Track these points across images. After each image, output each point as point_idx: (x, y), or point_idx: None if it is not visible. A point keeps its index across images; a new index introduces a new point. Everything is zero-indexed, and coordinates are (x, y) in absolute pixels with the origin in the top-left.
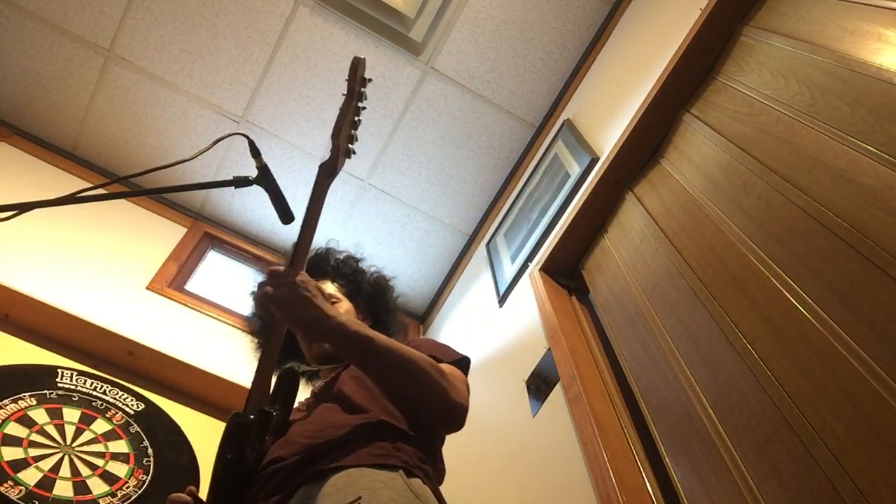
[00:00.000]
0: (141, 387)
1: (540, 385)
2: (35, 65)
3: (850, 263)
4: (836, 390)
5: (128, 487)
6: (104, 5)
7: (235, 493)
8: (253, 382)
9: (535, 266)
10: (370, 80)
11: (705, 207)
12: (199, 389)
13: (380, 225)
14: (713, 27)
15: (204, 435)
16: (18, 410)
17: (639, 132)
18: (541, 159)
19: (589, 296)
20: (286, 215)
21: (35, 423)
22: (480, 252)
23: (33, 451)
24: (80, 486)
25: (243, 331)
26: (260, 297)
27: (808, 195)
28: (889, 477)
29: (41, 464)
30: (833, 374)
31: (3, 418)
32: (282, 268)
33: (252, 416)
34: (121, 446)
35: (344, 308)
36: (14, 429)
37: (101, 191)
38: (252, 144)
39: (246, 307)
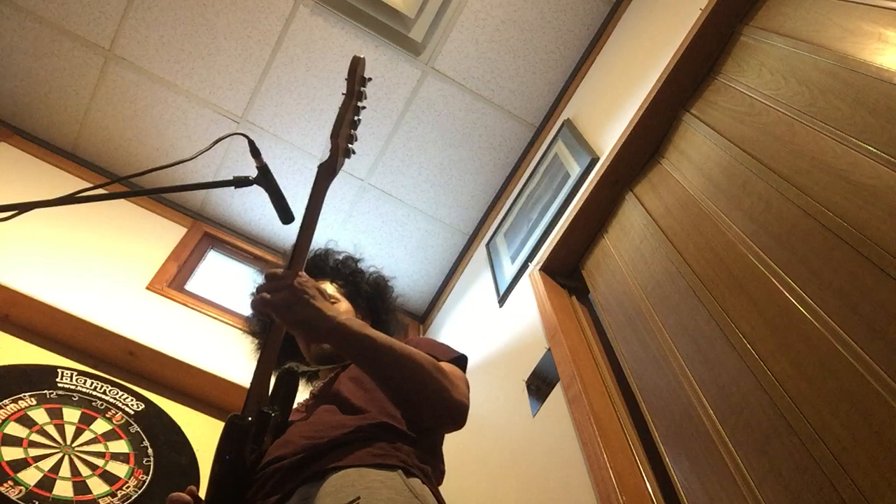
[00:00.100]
0: (141, 387)
1: (540, 385)
2: (35, 65)
3: (850, 263)
4: (836, 390)
5: (128, 487)
6: (104, 5)
7: (234, 493)
8: (252, 383)
9: (535, 266)
10: (370, 79)
11: (705, 207)
12: (199, 389)
13: (380, 225)
14: (713, 27)
15: (204, 435)
16: (18, 410)
17: (639, 132)
18: (541, 159)
19: (589, 296)
20: (286, 215)
21: (35, 423)
22: (480, 252)
23: (33, 451)
24: (80, 486)
25: (243, 331)
26: (258, 302)
27: (808, 195)
28: (889, 477)
29: (41, 464)
30: (833, 374)
31: (3, 418)
32: (280, 270)
33: (250, 418)
34: (121, 446)
35: (343, 308)
36: (14, 429)
37: (101, 191)
38: (252, 144)
39: (245, 307)
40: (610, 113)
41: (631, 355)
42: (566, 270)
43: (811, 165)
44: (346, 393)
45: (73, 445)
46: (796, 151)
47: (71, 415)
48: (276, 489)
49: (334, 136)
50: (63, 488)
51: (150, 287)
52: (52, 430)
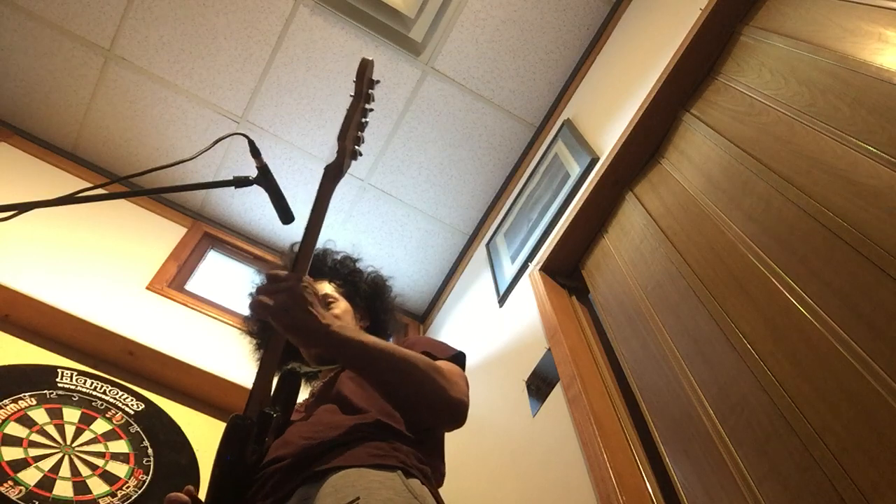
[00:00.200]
0: (141, 387)
1: (540, 385)
2: (35, 65)
3: (850, 263)
4: (836, 390)
5: (128, 487)
6: (104, 5)
7: (234, 494)
8: (254, 384)
9: (535, 266)
10: (378, 81)
11: (705, 207)
12: (199, 389)
13: (380, 225)
14: (713, 27)
15: (204, 435)
16: (18, 410)
17: (639, 132)
18: (541, 159)
19: (589, 296)
20: (286, 215)
21: (35, 423)
22: (480, 252)
23: (33, 451)
24: (80, 486)
25: (243, 331)
26: (257, 305)
27: (808, 195)
28: (889, 477)
29: (41, 464)
30: (833, 374)
31: (3, 418)
32: (282, 272)
33: (252, 418)
34: (121, 446)
35: (341, 308)
36: (14, 429)
37: (101, 191)
38: (252, 144)
39: (245, 307)
40: (610, 113)
41: (631, 355)
42: (566, 270)
43: (811, 165)
44: (346, 393)
45: (73, 445)
46: (796, 151)
47: (71, 415)
48: (275, 490)
49: (341, 138)
50: (63, 488)
51: (150, 287)
52: (52, 430)
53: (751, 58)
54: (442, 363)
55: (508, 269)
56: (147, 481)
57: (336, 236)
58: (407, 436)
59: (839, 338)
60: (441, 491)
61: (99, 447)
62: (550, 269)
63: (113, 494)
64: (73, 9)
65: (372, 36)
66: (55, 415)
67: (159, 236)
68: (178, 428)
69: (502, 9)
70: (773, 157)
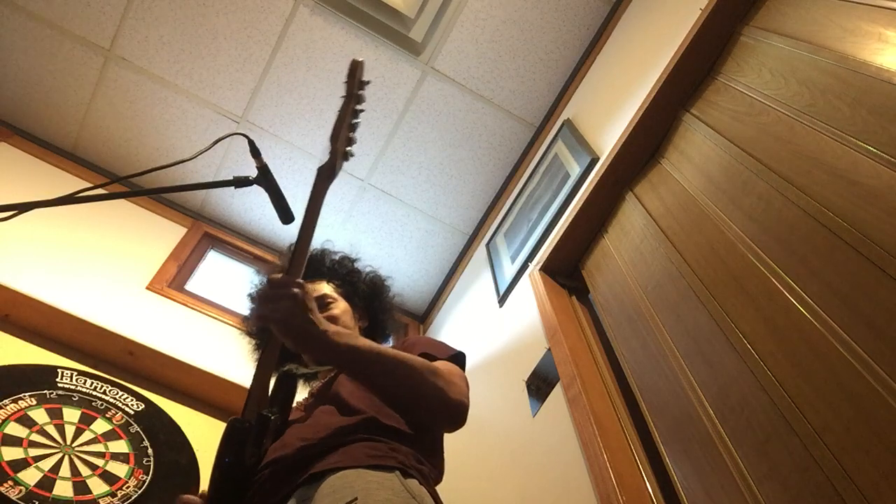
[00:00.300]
0: (141, 387)
1: (540, 385)
2: (35, 65)
3: (850, 263)
4: (836, 390)
5: (128, 487)
6: (104, 5)
7: (234, 496)
8: (251, 386)
9: (535, 266)
10: (368, 82)
11: (705, 207)
12: (199, 389)
13: (380, 225)
14: (713, 27)
15: (204, 435)
16: (18, 410)
17: (639, 132)
18: (541, 159)
19: (589, 296)
20: (286, 215)
21: (35, 423)
22: (480, 252)
23: (33, 451)
24: (80, 486)
25: (242, 331)
26: (258, 315)
27: (808, 195)
28: (889, 477)
29: (41, 464)
30: (833, 375)
31: (3, 418)
32: (280, 276)
33: (250, 422)
34: (121, 446)
35: (340, 308)
36: (14, 429)
37: (101, 191)
38: (252, 144)
39: (245, 308)
40: (610, 113)
41: (631, 355)
42: (566, 270)
43: (811, 165)
44: (344, 394)
45: (73, 445)
46: (796, 151)
47: (71, 415)
48: (274, 491)
49: (333, 139)
50: (63, 488)
51: (150, 287)
52: (52, 430)
53: (751, 58)
54: (441, 364)
55: (508, 269)
56: (147, 481)
57: (336, 236)
58: (405, 435)
59: (839, 338)
60: (441, 491)
61: (99, 447)
62: (550, 269)
63: (113, 494)
64: (73, 9)
65: (372, 36)
66: (55, 415)
67: (159, 236)
68: (178, 428)
69: (502, 9)
70: (773, 157)
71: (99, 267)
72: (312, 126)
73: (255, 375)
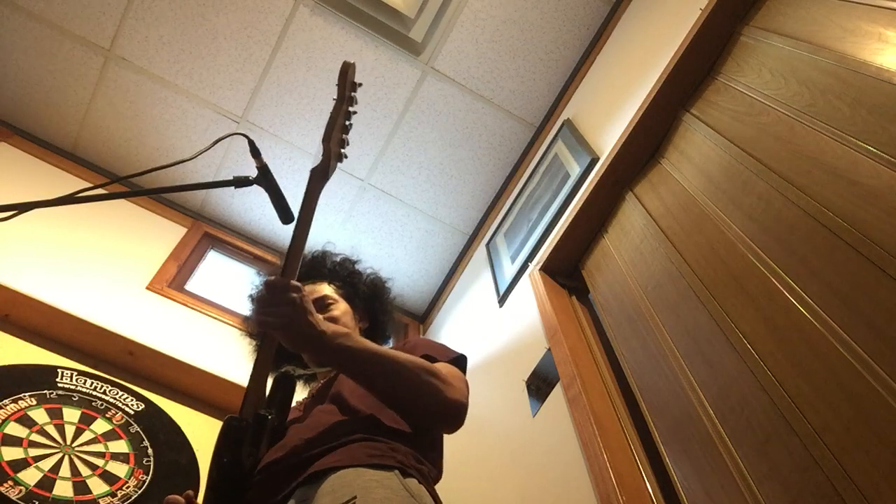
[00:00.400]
0: (141, 387)
1: (540, 385)
2: (35, 65)
3: (850, 263)
4: (836, 390)
5: (128, 487)
6: (104, 5)
7: (232, 496)
8: (248, 386)
9: (535, 266)
10: (360, 84)
11: (705, 207)
12: (199, 389)
13: (380, 225)
14: (713, 27)
15: (204, 435)
16: (18, 410)
17: (639, 132)
18: (541, 159)
19: (589, 296)
20: (286, 215)
21: (35, 423)
22: (480, 252)
23: (33, 451)
24: (80, 486)
25: (242, 331)
26: (259, 321)
27: (808, 195)
28: (889, 477)
29: (41, 464)
30: (833, 374)
31: (3, 418)
32: (279, 279)
33: (247, 420)
34: (121, 446)
35: (341, 309)
36: (14, 429)
37: (100, 191)
38: (252, 144)
39: (244, 309)
40: (610, 113)
41: (631, 355)
42: (566, 270)
43: (811, 165)
44: (344, 394)
45: (73, 445)
46: (796, 151)
47: (71, 415)
48: (273, 491)
49: (326, 140)
50: (63, 488)
51: (150, 287)
52: (52, 430)
53: (751, 58)
54: (441, 365)
55: (508, 269)
56: (147, 481)
57: (336, 236)
58: (405, 435)
59: (839, 338)
60: (441, 491)
61: (99, 447)
62: (550, 269)
63: (113, 494)
64: (73, 9)
65: (372, 36)
66: (55, 415)
67: (159, 236)
68: (178, 428)
69: (502, 9)
70: (773, 157)
71: (99, 267)
72: (312, 126)
73: (252, 375)
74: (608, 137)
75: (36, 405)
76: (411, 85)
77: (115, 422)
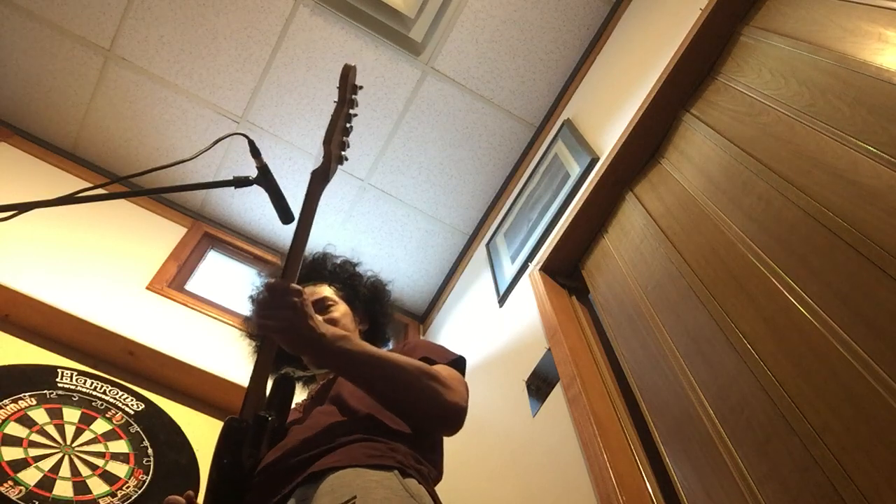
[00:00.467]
0: (141, 387)
1: (540, 385)
2: (35, 65)
3: (850, 263)
4: (836, 390)
5: (128, 487)
6: (104, 5)
7: (232, 497)
8: (248, 387)
9: (535, 266)
10: (361, 87)
11: (705, 207)
12: (199, 389)
13: (380, 225)
14: (713, 27)
15: (204, 435)
16: (18, 410)
17: (639, 132)
18: (541, 159)
19: (589, 296)
20: (286, 215)
21: (35, 423)
22: (480, 252)
23: (33, 451)
24: (80, 486)
25: (243, 333)
26: (261, 325)
27: (808, 195)
28: (889, 477)
29: (41, 464)
30: (833, 374)
31: (3, 418)
32: (280, 282)
33: (247, 421)
34: (121, 446)
35: (341, 311)
36: (14, 429)
37: (100, 191)
38: (252, 144)
39: (246, 309)
40: (610, 113)
41: (631, 355)
42: (566, 270)
43: (811, 165)
44: (344, 395)
45: (73, 445)
46: (796, 151)
47: (71, 415)
48: (273, 491)
49: (327, 142)
50: (63, 488)
51: (150, 287)
52: (52, 430)
53: (751, 58)
54: (440, 368)
55: (508, 269)
56: (147, 481)
57: (336, 236)
58: (405, 435)
59: (839, 338)
60: (441, 491)
61: (99, 447)
62: (550, 269)
63: (113, 494)
64: (73, 9)
65: (372, 36)
66: (55, 415)
67: (159, 236)
68: (178, 428)
69: (502, 9)
70: (773, 157)
71: (99, 267)
72: (312, 126)
73: (252, 376)
74: (608, 137)
75: (36, 405)
76: (411, 85)
77: (115, 422)
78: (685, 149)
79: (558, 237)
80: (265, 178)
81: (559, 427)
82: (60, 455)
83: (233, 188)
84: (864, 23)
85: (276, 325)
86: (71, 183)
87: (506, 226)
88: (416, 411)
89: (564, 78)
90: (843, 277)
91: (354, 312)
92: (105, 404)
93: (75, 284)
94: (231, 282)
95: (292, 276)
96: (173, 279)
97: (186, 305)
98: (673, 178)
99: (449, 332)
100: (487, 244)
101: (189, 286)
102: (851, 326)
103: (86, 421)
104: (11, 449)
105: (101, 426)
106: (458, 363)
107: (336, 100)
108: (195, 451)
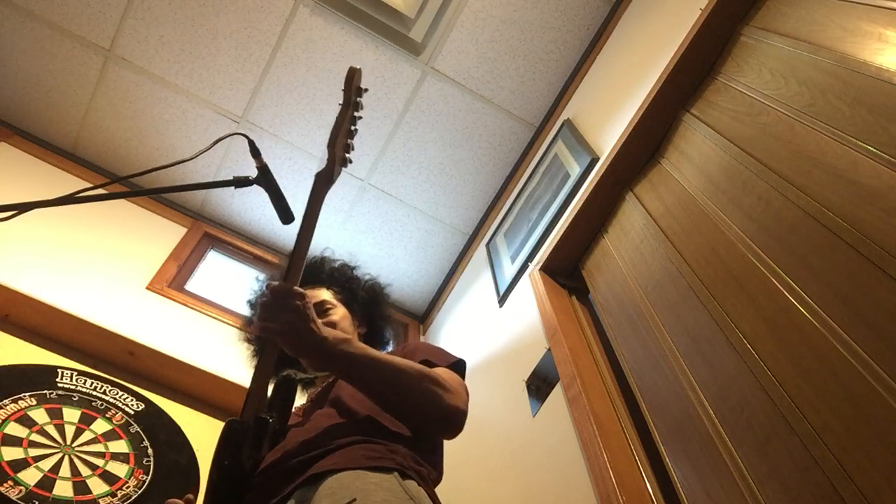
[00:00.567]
0: (141, 387)
1: (540, 385)
2: (35, 65)
3: (850, 263)
4: (836, 390)
5: (128, 487)
6: (104, 5)
7: (232, 498)
8: (250, 389)
9: (535, 266)
10: (366, 89)
11: (705, 207)
12: (199, 389)
13: (380, 225)
14: (713, 27)
15: (204, 435)
16: (18, 410)
17: (639, 132)
18: (541, 159)
19: (589, 296)
20: (286, 215)
21: (35, 423)
22: (480, 252)
23: (33, 451)
24: (80, 486)
25: (241, 338)
26: (263, 328)
27: (808, 195)
28: (889, 477)
29: (41, 464)
30: (833, 374)
31: (3, 418)
32: (281, 284)
33: (248, 423)
34: (121, 446)
35: (339, 314)
36: (14, 429)
37: (100, 191)
38: (252, 144)
39: (246, 311)
40: (610, 113)
41: (631, 355)
42: (566, 270)
43: (811, 165)
44: (343, 398)
45: (73, 445)
46: (796, 151)
47: (71, 415)
48: (273, 493)
49: (331, 145)
50: (63, 488)
51: (150, 287)
52: (52, 430)
53: (751, 58)
54: (441, 370)
55: (508, 269)
56: (147, 481)
57: (336, 236)
58: (404, 437)
59: (839, 338)
60: (441, 491)
61: (99, 447)
62: (550, 269)
63: (113, 494)
64: (73, 9)
65: (372, 36)
66: (55, 415)
67: (159, 236)
68: (178, 428)
69: (502, 9)
70: (773, 157)
71: (99, 267)
72: (312, 126)
73: (253, 378)
74: (608, 137)
75: (36, 405)
76: (411, 85)
77: (115, 422)
78: (685, 149)
79: (558, 237)
80: (265, 178)
81: (559, 427)
82: (60, 455)
83: (233, 188)
84: (864, 23)
85: (279, 328)
86: (71, 183)
87: (506, 226)
88: (417, 414)
89: (564, 78)
90: (843, 277)
91: (353, 316)
92: (105, 404)
93: (75, 284)
94: (231, 282)
95: (295, 279)
96: (173, 279)
97: (186, 305)
98: (673, 178)
99: (449, 332)
100: (487, 244)
101: (189, 286)
102: (851, 326)
103: (86, 421)
104: (11, 449)
105: (101, 426)
106: (459, 366)
107: (341, 102)
108: (195, 451)
